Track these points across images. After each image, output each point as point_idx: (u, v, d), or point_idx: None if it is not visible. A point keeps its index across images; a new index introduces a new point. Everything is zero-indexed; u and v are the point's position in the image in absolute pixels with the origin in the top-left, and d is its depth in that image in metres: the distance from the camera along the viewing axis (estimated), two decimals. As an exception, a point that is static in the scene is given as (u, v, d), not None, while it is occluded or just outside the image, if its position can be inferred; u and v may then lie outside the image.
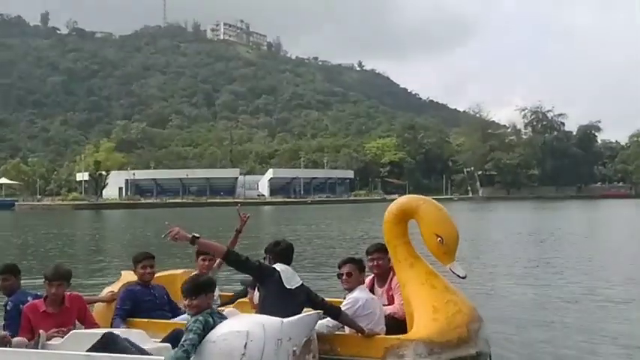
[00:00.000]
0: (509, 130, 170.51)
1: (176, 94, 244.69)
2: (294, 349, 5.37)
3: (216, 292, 8.02)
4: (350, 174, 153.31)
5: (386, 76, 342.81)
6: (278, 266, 6.25)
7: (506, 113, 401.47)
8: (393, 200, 7.17)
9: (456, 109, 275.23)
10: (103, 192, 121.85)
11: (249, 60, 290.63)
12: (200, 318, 5.30)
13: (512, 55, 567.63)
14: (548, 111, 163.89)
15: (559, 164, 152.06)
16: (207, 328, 5.23)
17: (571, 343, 8.99)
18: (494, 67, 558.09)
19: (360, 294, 6.53)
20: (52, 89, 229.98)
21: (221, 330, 5.22)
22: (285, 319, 5.39)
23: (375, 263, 7.15)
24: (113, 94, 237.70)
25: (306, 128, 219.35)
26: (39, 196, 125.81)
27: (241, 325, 5.28)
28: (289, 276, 6.20)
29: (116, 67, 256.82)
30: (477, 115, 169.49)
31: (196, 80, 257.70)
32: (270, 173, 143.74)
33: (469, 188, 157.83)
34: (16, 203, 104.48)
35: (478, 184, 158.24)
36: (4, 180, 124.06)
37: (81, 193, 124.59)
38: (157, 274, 7.87)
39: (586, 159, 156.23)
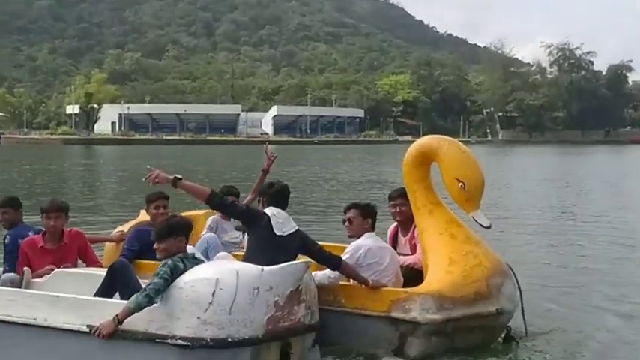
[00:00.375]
0: (533, 68, 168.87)
1: (173, 23, 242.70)
2: (276, 299, 5.34)
3: (240, 236, 7.91)
4: (360, 113, 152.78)
5: (401, 7, 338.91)
6: (269, 210, 6.13)
7: (530, 50, 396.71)
8: (405, 142, 7.04)
9: (475, 44, 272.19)
10: (95, 127, 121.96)
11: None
12: (169, 262, 5.34)
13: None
14: (576, 48, 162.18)
15: (586, 106, 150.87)
16: (176, 273, 5.27)
17: (599, 293, 9.13)
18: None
19: (365, 241, 6.38)
20: (38, 14, 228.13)
21: (190, 276, 5.24)
22: (267, 267, 5.37)
23: (398, 210, 6.95)
24: (105, 20, 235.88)
25: (313, 62, 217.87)
26: (26, 130, 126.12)
27: (212, 271, 5.30)
28: (281, 221, 6.07)
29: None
30: (499, 52, 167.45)
31: (195, 7, 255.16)
32: (274, 110, 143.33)
33: (488, 130, 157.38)
34: (2, 137, 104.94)
35: (498, 126, 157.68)
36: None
37: (71, 127, 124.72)
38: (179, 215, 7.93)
39: (615, 101, 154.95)
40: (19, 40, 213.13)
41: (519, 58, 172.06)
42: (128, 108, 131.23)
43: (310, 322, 5.71)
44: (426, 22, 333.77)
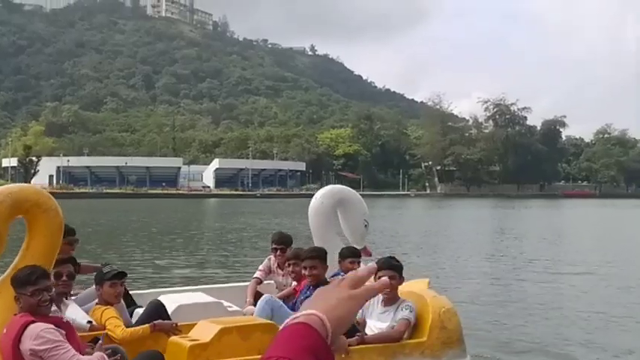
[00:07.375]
0: (470, 123, 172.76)
1: (112, 75, 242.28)
2: None
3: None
4: (302, 166, 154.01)
5: (340, 62, 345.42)
6: None
7: (466, 105, 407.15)
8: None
9: (413, 99, 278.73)
10: (32, 180, 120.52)
11: (192, 40, 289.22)
12: None
13: (474, 43, 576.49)
14: (512, 104, 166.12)
15: (522, 161, 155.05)
16: None
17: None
18: (454, 55, 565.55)
19: None
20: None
21: None
22: None
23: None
24: (43, 72, 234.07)
25: (254, 116, 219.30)
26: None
27: None
28: None
29: (46, 43, 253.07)
30: (437, 107, 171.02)
31: (135, 60, 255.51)
32: (215, 163, 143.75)
33: (427, 184, 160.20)
34: None
35: (436, 179, 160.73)
36: None
37: (8, 180, 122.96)
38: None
39: (550, 156, 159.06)
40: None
41: (456, 114, 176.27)
42: (68, 161, 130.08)
43: None
44: (364, 77, 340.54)
